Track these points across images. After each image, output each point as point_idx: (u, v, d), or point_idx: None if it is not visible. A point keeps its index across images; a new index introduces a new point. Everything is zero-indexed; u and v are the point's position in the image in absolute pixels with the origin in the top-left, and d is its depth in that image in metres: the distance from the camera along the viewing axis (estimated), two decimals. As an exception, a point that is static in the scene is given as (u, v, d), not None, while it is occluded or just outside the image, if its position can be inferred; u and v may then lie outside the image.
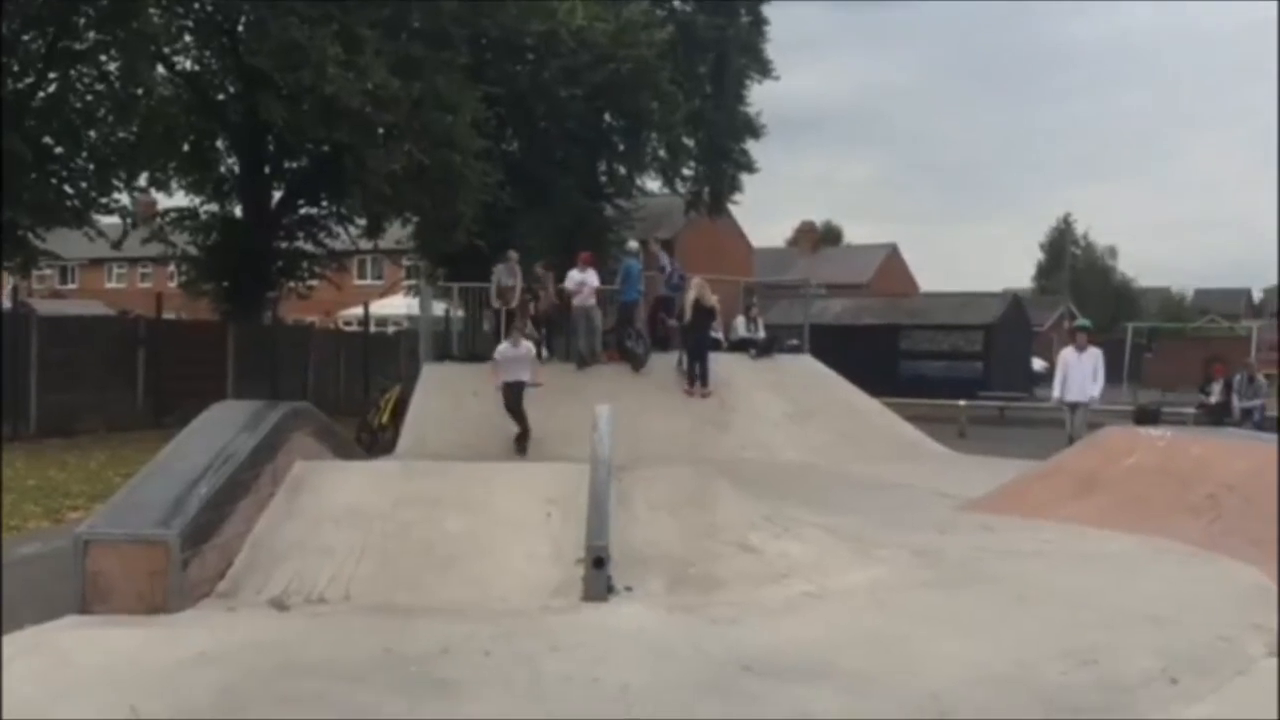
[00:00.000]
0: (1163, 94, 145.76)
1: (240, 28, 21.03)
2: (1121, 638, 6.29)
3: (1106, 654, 5.95)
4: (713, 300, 17.32)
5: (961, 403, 23.57)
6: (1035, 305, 51.78)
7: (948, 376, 30.21)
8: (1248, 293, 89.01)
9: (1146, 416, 19.78)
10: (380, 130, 20.73)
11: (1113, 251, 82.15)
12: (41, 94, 18.99)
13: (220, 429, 8.39)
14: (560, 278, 18.30)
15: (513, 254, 18.52)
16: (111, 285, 53.32)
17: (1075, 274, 70.72)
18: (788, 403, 17.16)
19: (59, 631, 6.32)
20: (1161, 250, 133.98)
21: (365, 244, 27.76)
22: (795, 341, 20.20)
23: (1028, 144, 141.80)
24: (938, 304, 36.86)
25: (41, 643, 6.08)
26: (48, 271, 42.28)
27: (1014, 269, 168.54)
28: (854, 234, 79.66)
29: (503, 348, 15.42)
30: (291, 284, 25.74)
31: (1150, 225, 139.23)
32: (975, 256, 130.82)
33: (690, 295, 17.18)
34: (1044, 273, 77.70)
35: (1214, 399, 19.72)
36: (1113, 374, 36.71)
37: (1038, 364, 41.82)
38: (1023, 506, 10.61)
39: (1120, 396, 31.40)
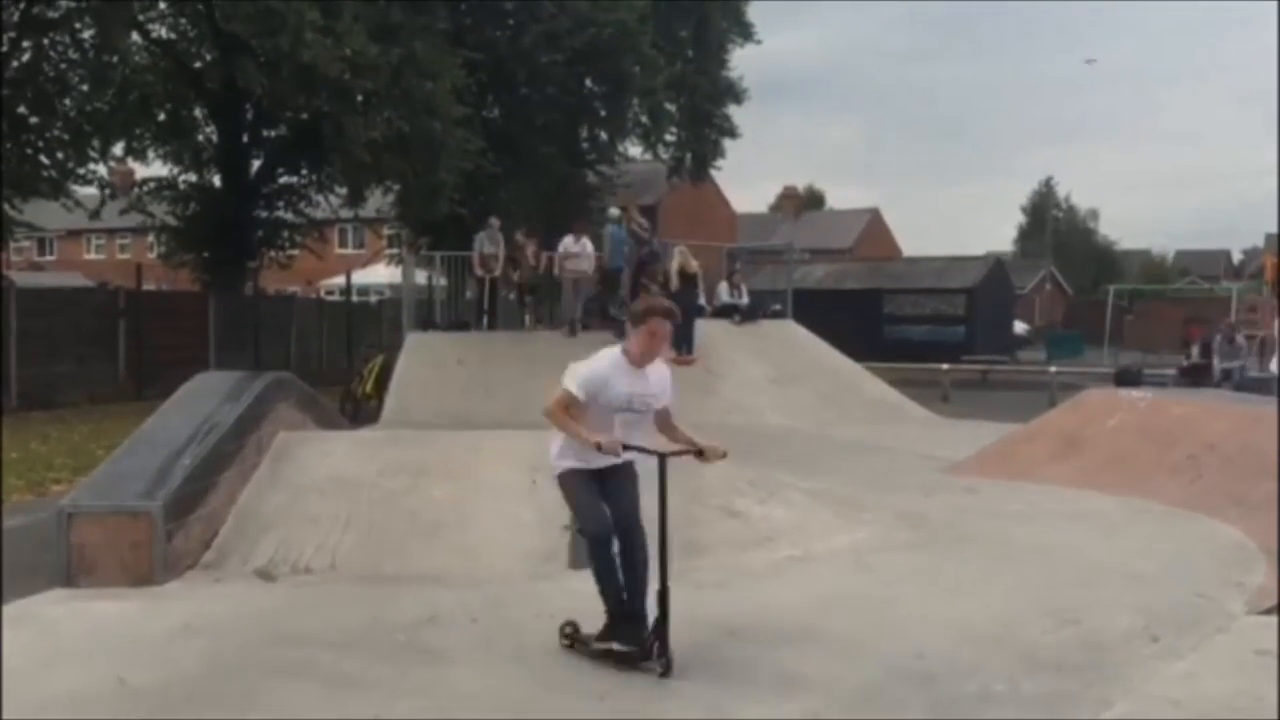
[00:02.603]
0: (1146, 50, 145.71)
1: (216, -7, 20.78)
2: (1103, 596, 6.36)
3: (1088, 612, 6.02)
4: (695, 266, 17.30)
5: (944, 366, 23.67)
6: (1017, 268, 52.00)
7: (930, 340, 30.34)
8: (1227, 254, 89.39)
9: (1127, 378, 19.88)
10: (359, 97, 20.57)
11: (1094, 214, 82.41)
12: (15, 63, 18.75)
13: (203, 400, 8.35)
14: (544, 245, 18.24)
15: (494, 221, 18.44)
16: (90, 256, 52.91)
17: (1057, 236, 70.88)
18: (771, 368, 17.19)
19: (44, 604, 6.32)
20: (1141, 210, 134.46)
21: (346, 213, 27.63)
22: (778, 307, 20.21)
23: (1009, 104, 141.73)
24: (920, 268, 36.95)
25: (27, 615, 6.08)
26: (25, 243, 41.90)
27: (996, 232, 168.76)
28: (837, 197, 79.62)
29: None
30: (272, 253, 25.63)
31: (1130, 185, 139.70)
32: (957, 219, 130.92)
33: (674, 263, 17.17)
34: (1026, 235, 77.84)
35: (1193, 360, 19.86)
36: (1094, 336, 37.10)
37: (1019, 327, 42.05)
38: (1006, 468, 10.68)
39: (1101, 358, 31.61)
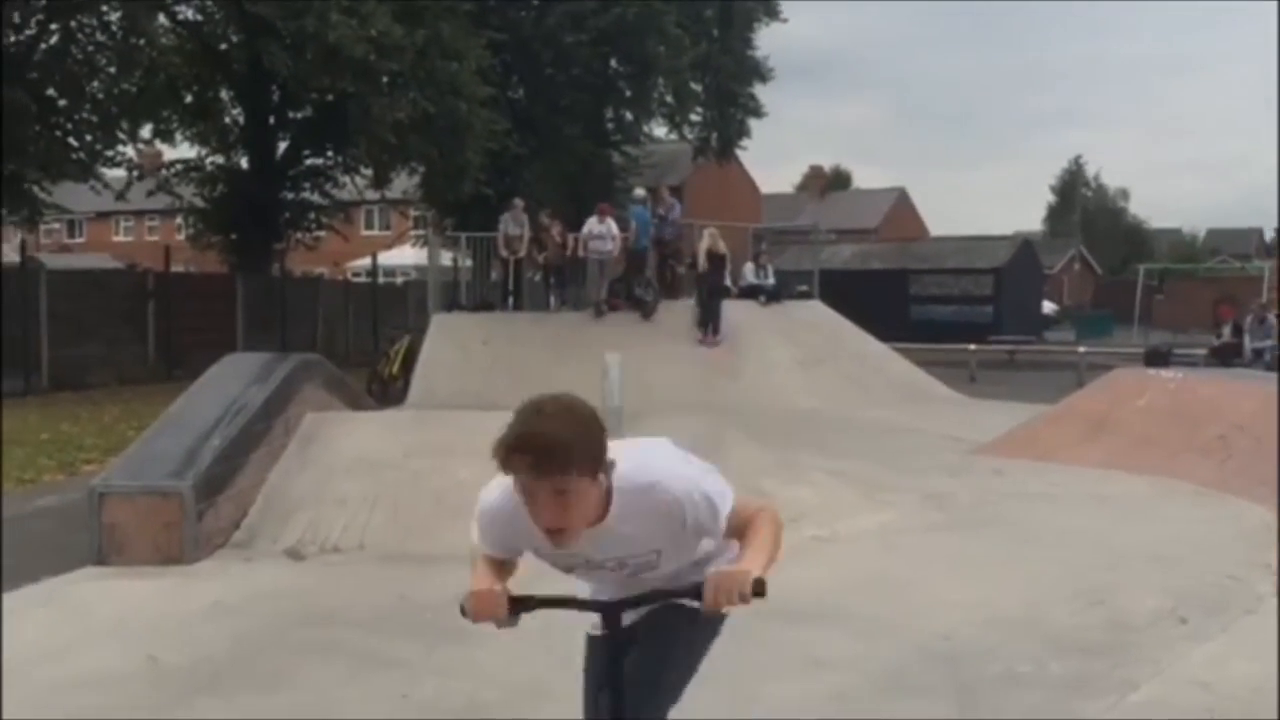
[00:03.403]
0: (1173, 31, 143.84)
1: (242, -26, 20.84)
2: (1130, 578, 6.33)
3: (1116, 594, 5.99)
4: (724, 248, 17.31)
5: (971, 347, 23.51)
6: (1046, 248, 51.52)
7: (957, 321, 30.13)
8: (1260, 232, 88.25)
9: (1157, 358, 19.71)
10: (385, 78, 20.62)
11: (1124, 193, 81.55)
12: (43, 46, 18.89)
13: (231, 381, 8.43)
14: (570, 226, 18.24)
15: (518, 202, 18.44)
16: (119, 238, 53.27)
17: (1086, 216, 70.19)
18: (797, 349, 17.14)
19: (76, 583, 6.40)
20: (1172, 190, 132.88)
21: (372, 194, 27.68)
22: (804, 287, 20.13)
23: (1039, 83, 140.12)
24: (947, 248, 36.69)
25: (59, 594, 6.17)
26: (55, 225, 42.25)
27: (1024, 212, 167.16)
28: (863, 177, 79.22)
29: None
30: (299, 235, 25.74)
31: (1160, 165, 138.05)
32: (985, 199, 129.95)
33: (703, 244, 17.16)
34: (1055, 215, 77.11)
35: (1224, 340, 19.68)
36: (1124, 316, 36.78)
37: (1048, 307, 41.73)
38: (1033, 449, 10.62)
39: (1131, 338, 31.35)
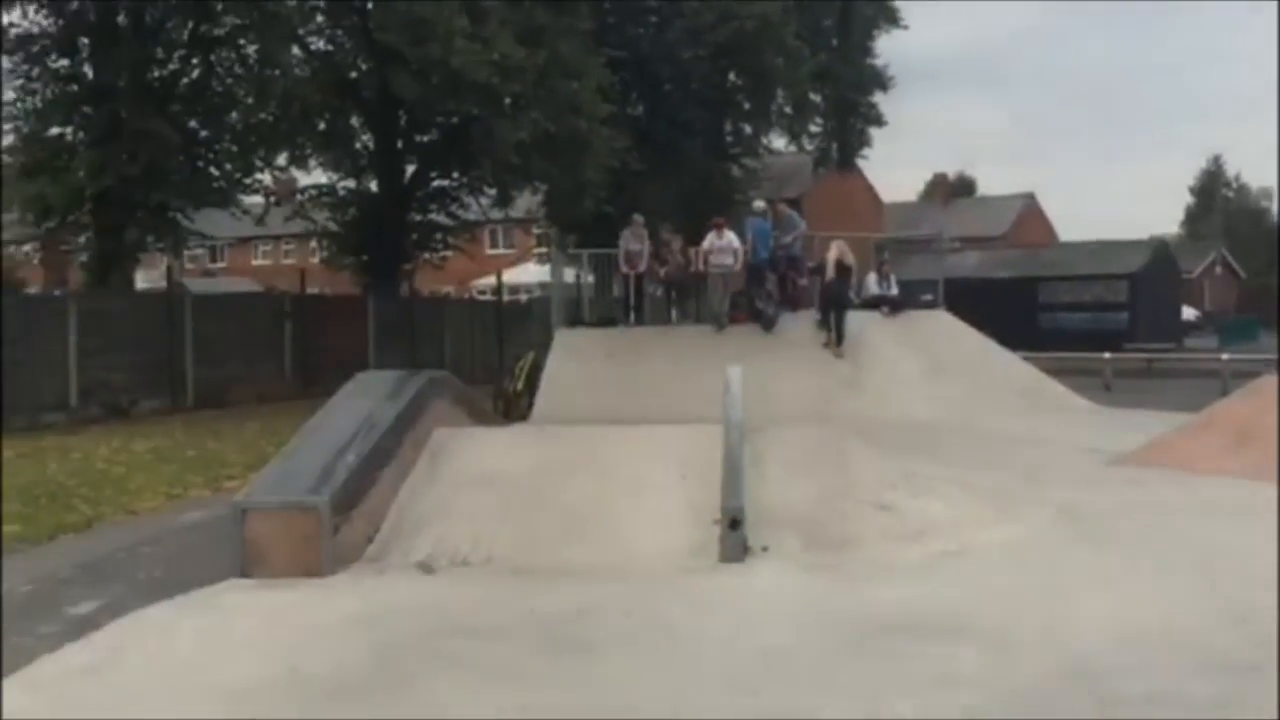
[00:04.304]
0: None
1: (370, 4, 21.51)
2: (1276, 596, 6.04)
3: (1261, 612, 5.72)
4: (852, 259, 17.16)
5: (1106, 355, 22.80)
6: (1184, 252, 49.65)
7: (1090, 328, 29.31)
8: None
9: (1307, 365, 18.80)
10: (507, 100, 21.01)
11: (1268, 193, 78.08)
12: (185, 80, 19.79)
13: (364, 398, 8.68)
14: (691, 240, 18.29)
15: (637, 218, 18.55)
16: (258, 262, 55.26)
17: (1228, 218, 67.44)
18: (923, 359, 16.85)
19: (221, 594, 6.66)
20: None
21: (496, 214, 28.20)
22: (929, 297, 19.79)
23: (1174, 79, 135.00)
24: (1078, 254, 35.70)
25: (206, 605, 6.43)
26: (198, 251, 44.05)
27: (1161, 214, 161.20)
28: (989, 184, 77.40)
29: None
30: (426, 255, 26.36)
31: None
32: (1119, 203, 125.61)
33: (832, 254, 17.03)
34: (1194, 217, 74.26)
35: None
36: (1271, 321, 35.19)
37: (1188, 313, 40.23)
38: (1173, 460, 10.24)
39: (1277, 344, 29.99)
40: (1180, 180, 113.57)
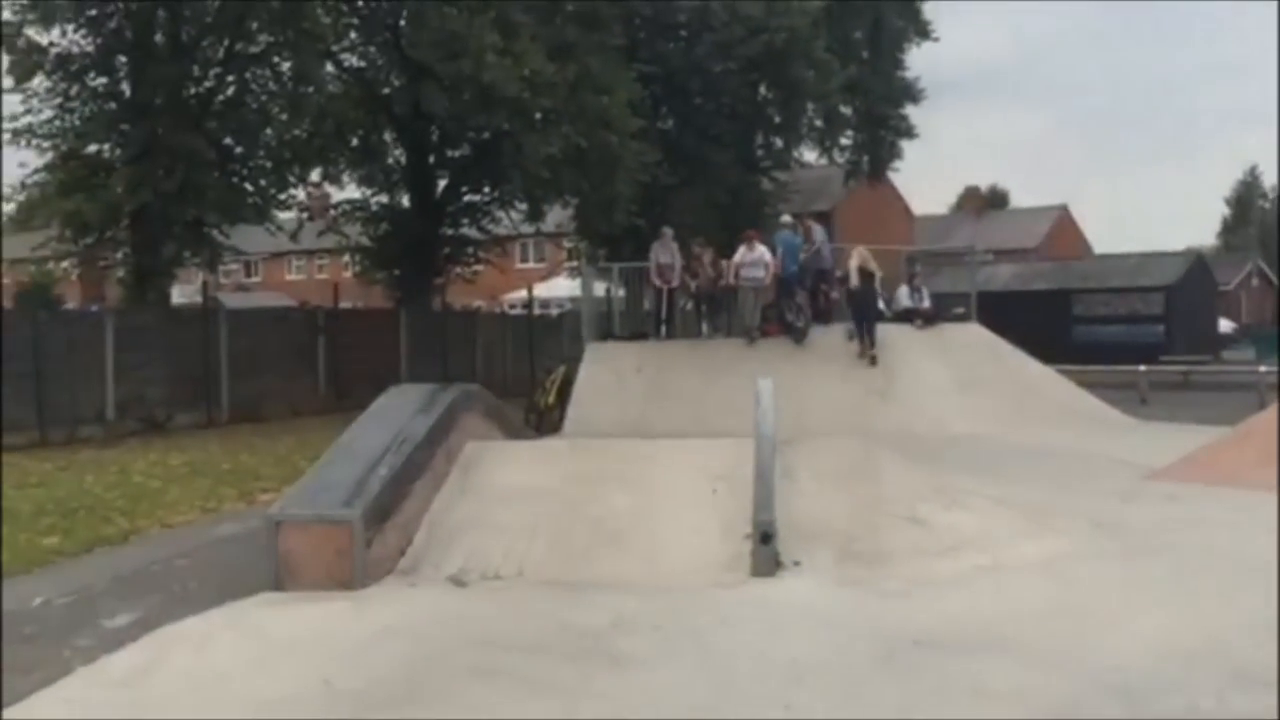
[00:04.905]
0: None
1: (402, 21, 21.69)
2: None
3: (1303, 626, 5.65)
4: (874, 266, 17.16)
5: (1142, 368, 22.58)
6: (1221, 263, 49.08)
7: (1125, 341, 29.02)
8: None
9: (1347, 377, 18.55)
10: (538, 115, 21.11)
11: (1306, 203, 77.15)
12: (221, 97, 20.02)
13: (397, 412, 8.72)
14: (722, 254, 18.29)
15: (667, 231, 18.58)
16: (292, 277, 55.72)
17: (1264, 229, 66.62)
18: (955, 372, 16.75)
19: (255, 607, 6.70)
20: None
21: (527, 228, 28.28)
22: (961, 310, 19.68)
23: (1208, 91, 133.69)
24: (1112, 266, 35.37)
25: (239, 618, 6.47)
26: (233, 266, 44.45)
27: (1197, 226, 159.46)
28: (1022, 196, 76.93)
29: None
30: (458, 269, 26.48)
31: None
32: (1153, 214, 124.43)
33: (853, 262, 17.07)
34: (1230, 229, 73.46)
35: None
36: (1308, 333, 34.63)
37: (1225, 325, 39.78)
38: (1211, 474, 10.12)
39: (1317, 357, 29.59)
40: (1216, 191, 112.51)
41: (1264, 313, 52.46)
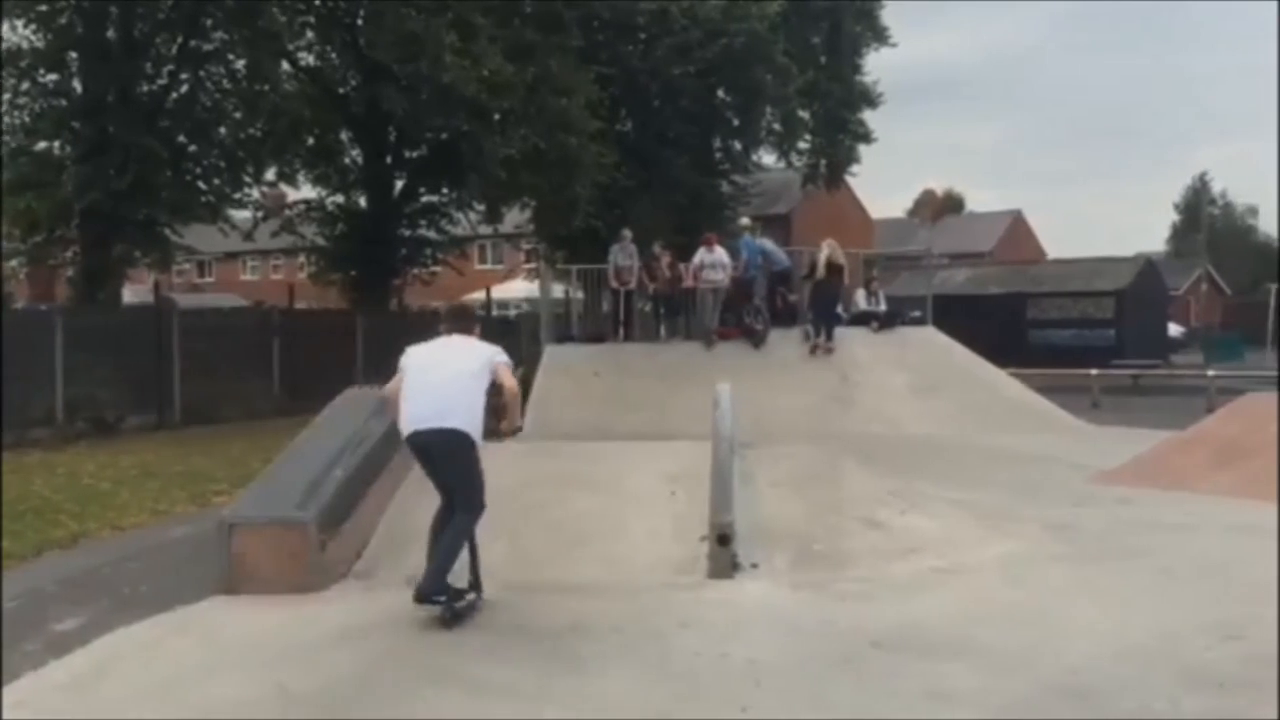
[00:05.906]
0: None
1: (359, 20, 21.53)
2: (1268, 610, 6.02)
3: (1253, 627, 5.73)
4: (842, 259, 17.21)
5: (1093, 372, 22.86)
6: (1171, 269, 49.84)
7: (1078, 345, 29.40)
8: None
9: (1293, 382, 18.86)
10: (496, 116, 21.04)
11: (1254, 211, 78.58)
12: (174, 95, 19.76)
13: (352, 414, 8.64)
14: (680, 256, 18.31)
15: (626, 233, 18.58)
16: (246, 277, 55.19)
17: (1213, 235, 67.75)
18: (912, 376, 16.87)
19: (207, 611, 6.61)
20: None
21: (485, 229, 28.19)
22: (918, 313, 19.84)
23: (1160, 100, 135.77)
24: (1065, 270, 35.82)
25: (191, 622, 6.38)
26: (186, 266, 43.94)
27: (1147, 232, 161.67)
28: (977, 200, 77.80)
29: None
30: (416, 271, 26.32)
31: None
32: (1105, 220, 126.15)
33: (822, 254, 17.08)
34: (1180, 235, 74.64)
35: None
36: (1255, 338, 35.34)
37: (1174, 329, 40.39)
38: (1162, 477, 10.27)
39: (1263, 361, 30.14)
40: (1167, 197, 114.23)
41: (1212, 317, 53.34)
